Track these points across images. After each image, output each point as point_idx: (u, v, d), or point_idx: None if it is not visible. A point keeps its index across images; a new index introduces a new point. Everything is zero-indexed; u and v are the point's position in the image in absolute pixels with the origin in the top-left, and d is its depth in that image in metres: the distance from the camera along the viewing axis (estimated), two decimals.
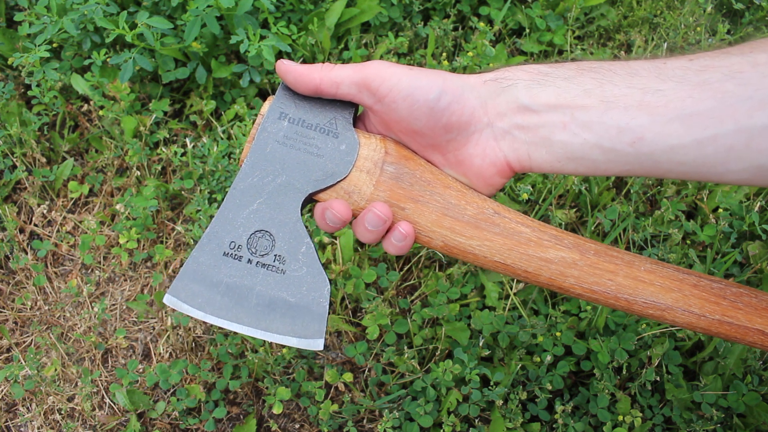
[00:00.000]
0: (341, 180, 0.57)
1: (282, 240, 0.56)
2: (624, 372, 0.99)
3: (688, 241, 1.16)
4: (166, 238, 1.21)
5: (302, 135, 0.57)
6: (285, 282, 0.56)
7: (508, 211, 0.58)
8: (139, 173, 1.24)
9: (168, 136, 1.29)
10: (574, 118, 0.52)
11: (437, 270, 1.13)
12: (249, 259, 0.56)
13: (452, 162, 0.58)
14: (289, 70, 0.56)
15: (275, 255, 0.56)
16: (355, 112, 0.60)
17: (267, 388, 1.02)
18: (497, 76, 0.55)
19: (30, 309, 1.15)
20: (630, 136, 0.50)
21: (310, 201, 0.58)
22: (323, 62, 1.34)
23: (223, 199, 0.59)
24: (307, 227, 0.58)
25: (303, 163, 0.57)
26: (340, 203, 0.56)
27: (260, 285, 0.56)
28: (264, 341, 1.03)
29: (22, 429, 1.05)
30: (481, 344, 1.01)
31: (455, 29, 1.48)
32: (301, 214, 0.57)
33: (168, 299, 0.55)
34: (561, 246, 0.56)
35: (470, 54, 1.33)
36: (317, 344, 0.56)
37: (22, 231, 1.23)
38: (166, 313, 1.14)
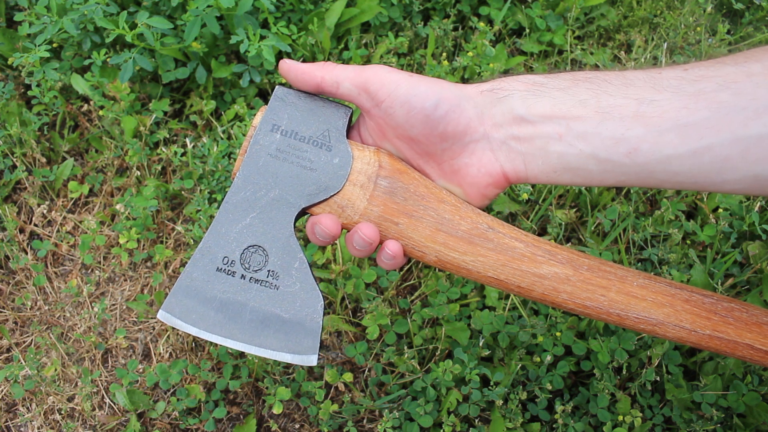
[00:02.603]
0: (335, 194, 0.56)
1: (275, 255, 0.56)
2: (624, 372, 0.99)
3: (688, 241, 1.16)
4: (166, 238, 1.21)
5: (295, 148, 0.57)
6: (278, 298, 0.56)
7: (503, 226, 0.58)
8: (139, 173, 1.24)
9: (168, 136, 1.29)
10: (570, 128, 0.52)
11: (437, 270, 1.13)
12: (242, 275, 0.56)
13: (447, 172, 0.58)
14: (292, 68, 0.57)
15: (268, 270, 0.56)
16: (349, 122, 0.59)
17: (267, 388, 1.02)
18: (493, 87, 0.55)
19: (30, 309, 1.15)
20: (626, 146, 0.50)
21: (303, 214, 0.58)
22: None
23: (215, 213, 0.59)
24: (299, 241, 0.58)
25: (296, 177, 0.56)
26: (328, 218, 0.56)
27: (254, 301, 0.56)
28: None
29: (22, 429, 1.05)
30: (481, 344, 1.01)
31: (455, 29, 1.48)
32: (295, 229, 0.57)
33: (162, 315, 0.55)
34: (554, 261, 0.57)
35: (470, 54, 1.33)
36: (311, 360, 0.55)
37: (22, 231, 1.23)
38: None
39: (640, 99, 0.50)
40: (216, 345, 1.07)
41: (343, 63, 1.36)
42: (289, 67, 0.57)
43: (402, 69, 1.39)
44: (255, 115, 0.58)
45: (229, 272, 0.56)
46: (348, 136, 0.60)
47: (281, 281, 0.56)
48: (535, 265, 0.56)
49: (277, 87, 0.59)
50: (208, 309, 0.55)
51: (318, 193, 0.56)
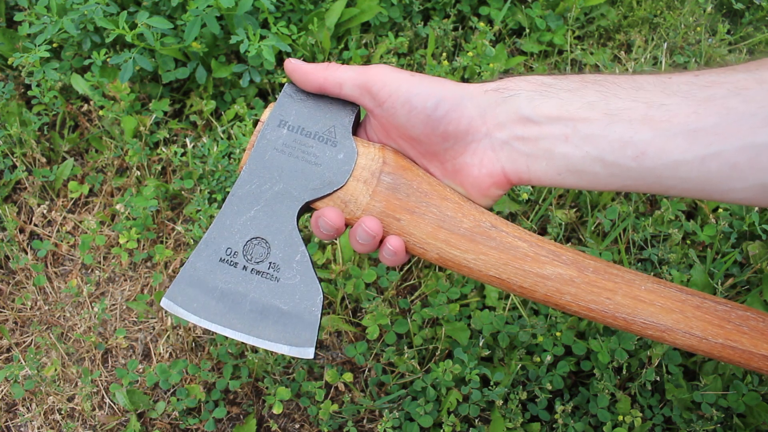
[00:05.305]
0: (338, 189, 0.57)
1: (277, 248, 0.57)
2: (624, 372, 0.99)
3: (688, 241, 1.16)
4: (166, 238, 1.21)
5: (301, 143, 0.58)
6: (278, 289, 0.56)
7: (506, 225, 0.57)
8: (139, 173, 1.24)
9: (168, 136, 1.29)
10: (577, 130, 0.51)
11: (437, 270, 1.13)
12: (244, 266, 0.57)
13: (450, 171, 0.58)
14: (296, 68, 0.57)
15: (270, 262, 0.57)
16: (357, 119, 0.60)
17: (267, 388, 1.02)
18: (499, 86, 0.54)
19: (30, 309, 1.15)
20: (633, 150, 0.49)
21: (307, 209, 0.58)
22: (324, 62, 1.34)
23: (222, 205, 0.59)
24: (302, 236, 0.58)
25: (301, 172, 0.57)
26: (332, 212, 0.56)
27: (254, 292, 0.56)
28: None
29: (22, 429, 1.05)
30: (481, 344, 1.01)
31: (455, 29, 1.48)
32: (298, 223, 0.57)
33: (165, 303, 0.56)
34: (559, 262, 0.56)
35: (470, 54, 1.33)
36: (308, 353, 0.56)
37: (22, 231, 1.23)
38: (166, 313, 1.14)
39: (650, 103, 0.49)
40: (216, 345, 1.07)
41: (343, 63, 1.36)
42: (294, 67, 0.57)
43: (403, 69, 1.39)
44: (264, 110, 0.59)
45: (232, 263, 0.57)
46: (355, 134, 0.60)
47: (282, 273, 0.57)
48: (539, 266, 0.55)
49: (286, 84, 0.60)
50: (210, 298, 0.56)
51: (322, 188, 0.57)
